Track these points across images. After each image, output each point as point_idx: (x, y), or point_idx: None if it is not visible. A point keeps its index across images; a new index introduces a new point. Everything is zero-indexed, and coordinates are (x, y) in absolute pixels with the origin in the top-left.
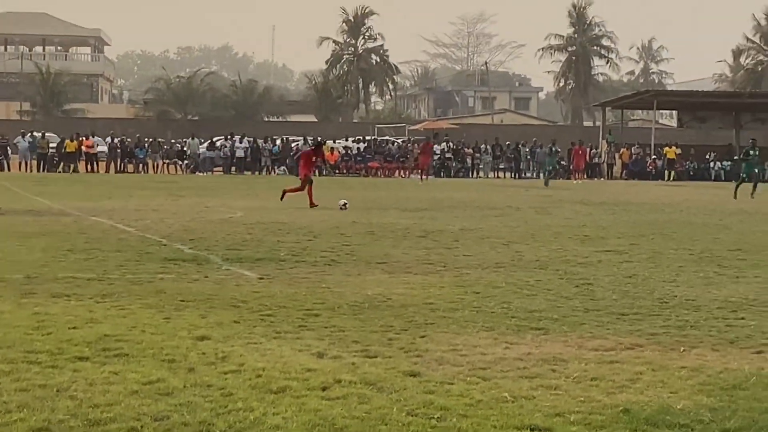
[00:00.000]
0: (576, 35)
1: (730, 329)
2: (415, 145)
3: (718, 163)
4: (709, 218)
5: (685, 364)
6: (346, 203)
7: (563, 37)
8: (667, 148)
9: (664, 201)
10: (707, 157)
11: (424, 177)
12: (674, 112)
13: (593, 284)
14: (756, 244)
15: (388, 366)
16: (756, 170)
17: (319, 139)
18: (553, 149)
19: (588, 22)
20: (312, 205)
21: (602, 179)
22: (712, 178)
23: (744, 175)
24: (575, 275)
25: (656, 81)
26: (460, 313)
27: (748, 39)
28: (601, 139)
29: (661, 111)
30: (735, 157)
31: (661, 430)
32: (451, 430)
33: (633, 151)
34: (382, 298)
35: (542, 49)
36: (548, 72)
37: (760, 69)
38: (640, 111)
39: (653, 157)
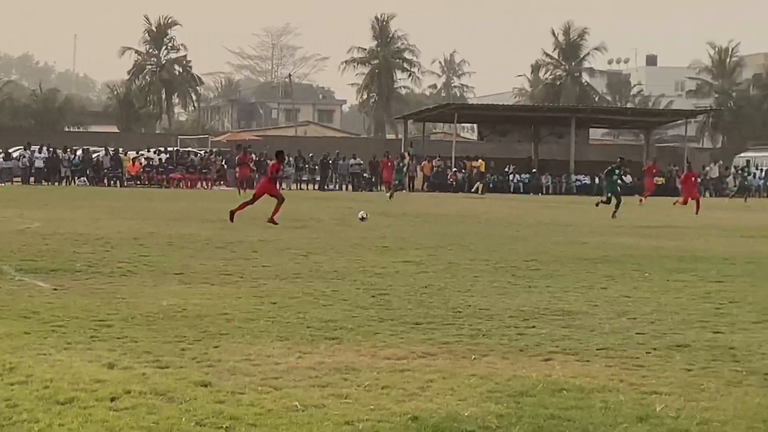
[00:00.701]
0: (379, 48)
1: (521, 337)
2: (218, 156)
3: (518, 176)
4: (507, 230)
5: (475, 371)
6: (365, 216)
7: (366, 50)
8: (480, 161)
9: (463, 213)
10: (506, 169)
11: (242, 190)
12: (475, 126)
13: (389, 294)
14: (550, 255)
15: (180, 376)
16: (619, 189)
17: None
18: (401, 164)
19: (391, 36)
20: (272, 220)
21: (404, 191)
22: (511, 190)
23: (609, 194)
24: (372, 285)
25: (458, 94)
26: (255, 323)
27: (546, 54)
28: (402, 151)
29: (462, 124)
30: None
31: None
32: None
33: (434, 163)
34: (178, 308)
35: (345, 62)
36: (352, 85)
37: (558, 84)
38: (441, 124)
39: (454, 169)
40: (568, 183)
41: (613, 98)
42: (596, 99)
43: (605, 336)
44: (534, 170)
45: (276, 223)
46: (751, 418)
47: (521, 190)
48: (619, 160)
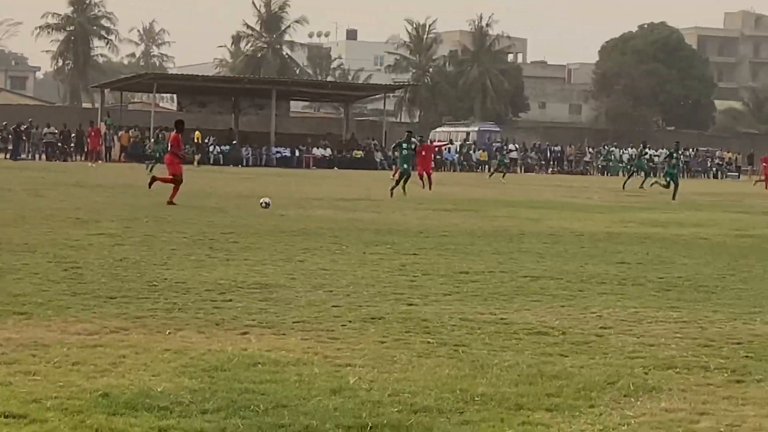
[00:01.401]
0: (75, 15)
1: (217, 311)
2: None
3: (218, 147)
4: (205, 202)
5: (169, 346)
6: (267, 202)
7: (61, 16)
8: (198, 132)
9: (161, 184)
10: (206, 141)
11: None
12: (175, 96)
13: (83, 267)
14: (248, 227)
15: None
16: (408, 164)
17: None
18: (159, 135)
19: (87, 2)
20: (170, 201)
21: (101, 162)
22: (211, 161)
23: (405, 167)
24: (65, 258)
25: (157, 64)
26: None
27: (247, 25)
28: (100, 121)
29: (161, 94)
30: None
31: (140, 412)
32: None
33: (132, 134)
34: None
35: (40, 27)
36: (46, 51)
37: (259, 55)
38: (140, 93)
39: (152, 140)
40: (269, 155)
41: (313, 71)
42: (297, 72)
43: (302, 309)
44: (234, 142)
45: (174, 204)
46: (441, 388)
47: (221, 162)
48: (407, 134)
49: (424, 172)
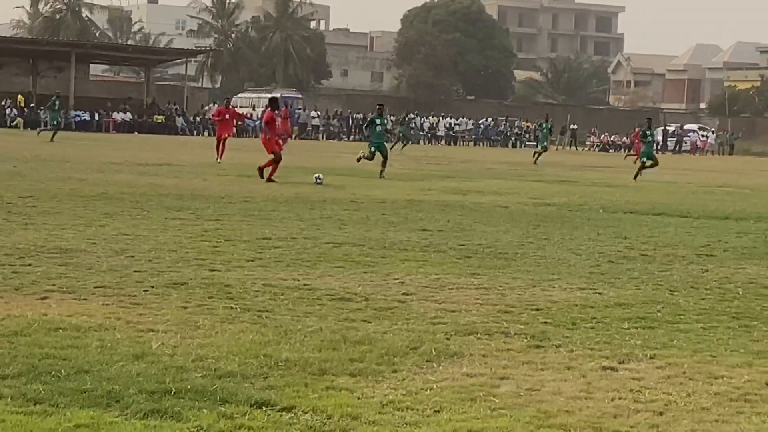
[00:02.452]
0: None
1: (16, 276)
2: None
3: (15, 110)
4: (3, 165)
5: None
6: (320, 178)
7: None
8: (21, 96)
9: None
10: (3, 103)
11: None
12: None
13: None
14: (47, 191)
15: None
16: (381, 143)
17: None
18: (55, 102)
19: None
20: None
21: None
22: (8, 124)
23: (378, 146)
24: None
25: None
26: None
27: None
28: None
29: None
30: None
31: None
32: None
33: None
34: None
35: None
36: None
37: (58, 17)
38: None
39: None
40: (68, 119)
41: (114, 35)
42: (97, 35)
43: (103, 274)
44: (32, 105)
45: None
46: (245, 354)
47: (8, 124)
48: (378, 107)
49: (223, 136)
